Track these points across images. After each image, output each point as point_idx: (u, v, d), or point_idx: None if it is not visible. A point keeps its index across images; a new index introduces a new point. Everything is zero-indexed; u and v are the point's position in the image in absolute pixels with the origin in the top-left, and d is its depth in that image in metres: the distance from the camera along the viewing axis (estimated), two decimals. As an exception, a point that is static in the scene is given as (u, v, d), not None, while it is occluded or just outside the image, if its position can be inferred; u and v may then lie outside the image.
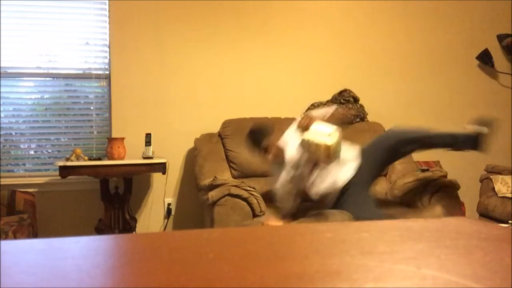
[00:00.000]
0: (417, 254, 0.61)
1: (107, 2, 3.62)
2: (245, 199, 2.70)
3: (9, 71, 3.53)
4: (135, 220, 3.45)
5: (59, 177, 3.07)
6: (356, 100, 3.81)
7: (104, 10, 3.64)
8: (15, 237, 2.58)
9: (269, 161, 2.91)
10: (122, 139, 3.25)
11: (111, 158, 3.20)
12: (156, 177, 3.64)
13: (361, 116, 3.78)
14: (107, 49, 3.64)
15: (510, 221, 2.91)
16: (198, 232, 0.78)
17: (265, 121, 3.26)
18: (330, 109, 2.87)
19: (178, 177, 3.68)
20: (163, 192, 3.65)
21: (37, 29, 3.57)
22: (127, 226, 3.30)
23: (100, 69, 3.64)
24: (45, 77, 3.64)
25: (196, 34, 3.73)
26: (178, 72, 3.70)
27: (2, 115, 3.49)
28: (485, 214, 3.48)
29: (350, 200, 2.70)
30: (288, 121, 3.54)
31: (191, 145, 3.58)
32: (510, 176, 3.43)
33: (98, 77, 3.64)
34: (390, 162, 3.09)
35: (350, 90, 3.82)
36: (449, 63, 4.14)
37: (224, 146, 3.43)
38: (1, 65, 3.48)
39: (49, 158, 3.60)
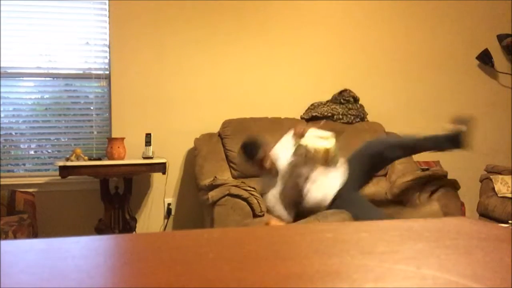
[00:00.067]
0: (417, 254, 0.61)
1: (107, 2, 3.62)
2: (245, 199, 2.70)
3: (9, 71, 3.53)
4: (135, 220, 3.45)
5: (59, 177, 3.07)
6: (356, 100, 3.81)
7: (104, 10, 3.64)
8: (15, 237, 2.58)
9: (265, 171, 2.94)
10: (122, 139, 3.25)
11: (111, 158, 3.20)
12: (156, 177, 3.64)
13: (361, 116, 3.78)
14: (107, 49, 3.64)
15: (510, 221, 2.91)
16: (198, 232, 0.78)
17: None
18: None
19: (178, 177, 3.68)
20: (163, 192, 3.66)
21: (37, 29, 3.57)
22: (127, 226, 3.30)
23: (100, 69, 3.64)
24: (45, 77, 3.64)
25: (196, 34, 3.73)
26: (178, 72, 3.70)
27: (2, 115, 3.49)
28: (485, 214, 3.48)
29: (344, 204, 2.72)
30: (288, 121, 3.56)
31: (191, 145, 3.58)
32: (510, 176, 3.43)
33: (98, 77, 3.64)
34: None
35: (350, 90, 3.83)
36: (449, 63, 4.14)
37: (224, 146, 3.43)
38: (1, 65, 3.48)
39: (49, 158, 3.60)
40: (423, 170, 3.24)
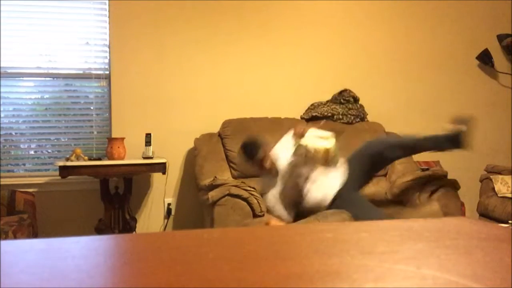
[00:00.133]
0: (417, 254, 0.61)
1: (107, 2, 3.62)
2: (245, 199, 2.70)
3: (9, 71, 3.53)
4: (135, 220, 3.45)
5: (59, 177, 3.07)
6: (356, 100, 3.81)
7: (104, 10, 3.64)
8: (15, 237, 2.58)
9: (265, 171, 2.94)
10: (122, 139, 3.25)
11: (111, 158, 3.20)
12: (156, 177, 3.64)
13: (361, 116, 3.78)
14: (107, 49, 3.64)
15: (510, 221, 2.91)
16: (198, 232, 0.78)
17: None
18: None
19: (178, 177, 3.68)
20: (163, 192, 3.65)
21: (37, 29, 3.57)
22: (127, 226, 3.30)
23: (100, 69, 3.64)
24: (45, 77, 3.64)
25: (196, 34, 3.73)
26: (178, 72, 3.70)
27: (2, 115, 3.49)
28: (485, 214, 3.48)
29: (344, 204, 2.72)
30: (288, 121, 3.56)
31: (191, 145, 3.58)
32: (510, 176, 3.43)
33: (98, 77, 3.64)
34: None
35: (350, 90, 3.83)
36: (449, 63, 4.14)
37: (224, 146, 3.43)
38: (1, 65, 3.48)
39: (49, 158, 3.60)
40: (423, 170, 3.24)
